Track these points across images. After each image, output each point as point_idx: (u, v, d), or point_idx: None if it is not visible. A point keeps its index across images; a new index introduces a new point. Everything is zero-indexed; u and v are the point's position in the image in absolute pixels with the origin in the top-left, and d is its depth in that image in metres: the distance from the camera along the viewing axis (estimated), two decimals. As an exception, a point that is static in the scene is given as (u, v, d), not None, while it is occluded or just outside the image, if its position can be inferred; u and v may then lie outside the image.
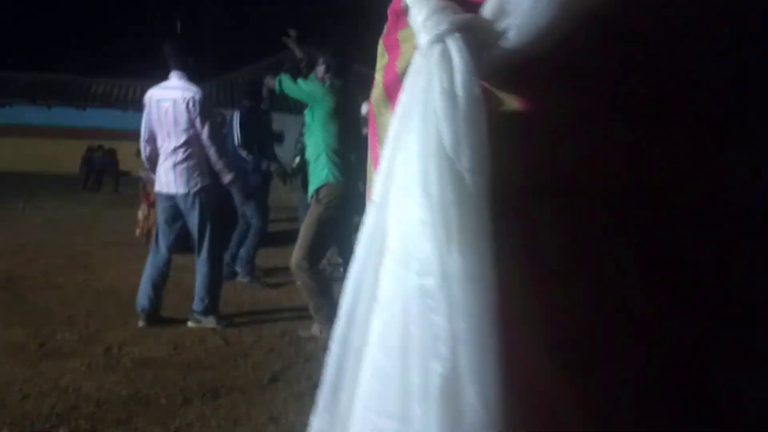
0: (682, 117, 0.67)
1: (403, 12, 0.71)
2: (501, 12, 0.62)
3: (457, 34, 0.61)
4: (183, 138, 3.61)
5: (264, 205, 5.18)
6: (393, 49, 0.76)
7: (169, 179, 3.67)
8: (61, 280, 4.87)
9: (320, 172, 3.44)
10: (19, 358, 3.11)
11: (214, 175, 3.75)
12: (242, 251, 5.02)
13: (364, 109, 4.99)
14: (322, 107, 3.43)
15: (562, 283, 0.64)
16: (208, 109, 3.67)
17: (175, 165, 3.63)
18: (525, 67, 0.62)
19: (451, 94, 0.59)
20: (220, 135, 3.71)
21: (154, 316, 3.74)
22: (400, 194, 0.62)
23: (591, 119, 0.65)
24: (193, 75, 3.69)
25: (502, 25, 0.62)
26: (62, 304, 4.15)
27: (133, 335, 3.55)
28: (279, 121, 7.36)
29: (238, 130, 4.95)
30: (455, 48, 0.60)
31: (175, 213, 3.77)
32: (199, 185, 3.67)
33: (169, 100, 3.60)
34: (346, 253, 5.02)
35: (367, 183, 0.84)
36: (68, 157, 17.96)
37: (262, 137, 5.13)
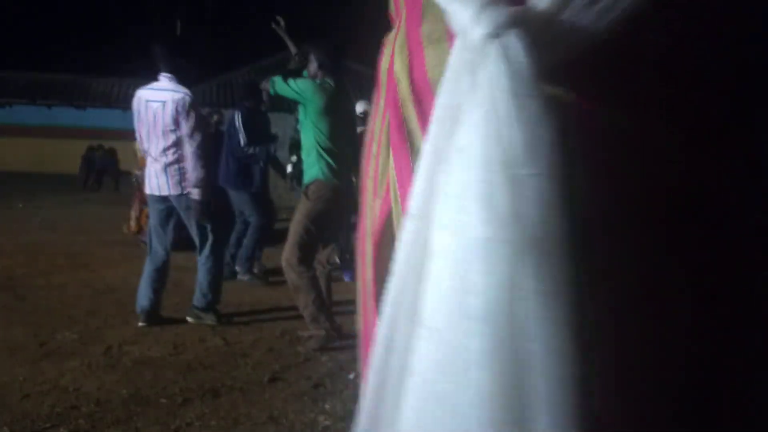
0: (703, 123, 0.64)
1: (427, 6, 0.67)
2: (559, 5, 0.56)
3: (518, 29, 0.55)
4: (172, 139, 3.58)
5: (265, 201, 5.17)
6: (416, 49, 0.72)
7: (161, 181, 3.64)
8: (61, 280, 4.87)
9: (311, 169, 3.44)
10: (19, 358, 3.11)
11: (207, 174, 3.73)
12: (242, 249, 5.02)
13: (359, 108, 4.99)
14: (312, 105, 3.42)
15: (634, 311, 0.60)
16: (196, 114, 3.61)
17: (166, 167, 3.61)
18: (583, 69, 0.57)
19: (517, 94, 0.53)
20: (204, 143, 3.61)
21: (154, 315, 3.74)
22: (451, 207, 0.55)
23: (650, 131, 0.61)
24: (182, 77, 3.67)
25: (561, 19, 0.56)
26: (62, 304, 4.15)
27: (133, 335, 3.55)
28: (279, 120, 7.37)
29: (243, 131, 4.94)
30: (516, 44, 0.54)
31: (168, 214, 3.76)
32: (191, 186, 3.66)
33: (159, 102, 3.59)
34: (346, 252, 5.02)
35: (357, 181, 0.83)
36: (68, 156, 17.95)
37: (262, 137, 5.12)
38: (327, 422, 2.50)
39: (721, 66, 0.63)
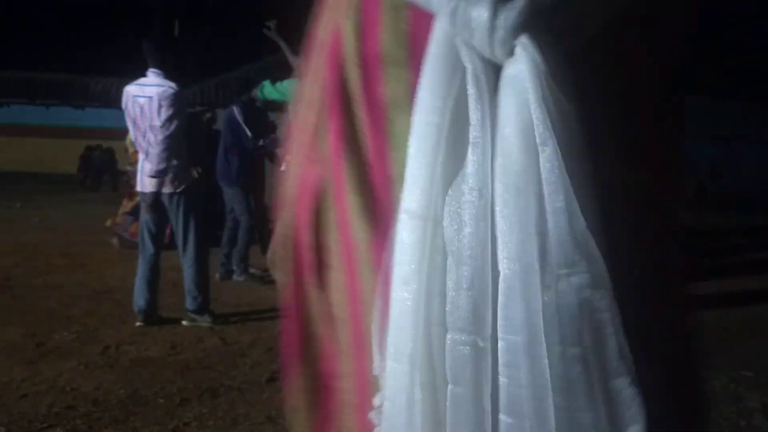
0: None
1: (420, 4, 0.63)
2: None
3: (535, 29, 0.54)
4: (160, 135, 3.57)
5: (249, 202, 5.09)
6: (371, 10, 0.69)
7: (152, 179, 3.63)
8: (58, 280, 4.87)
9: None
10: (16, 358, 3.11)
11: (198, 173, 3.73)
12: (235, 250, 5.02)
13: None
14: None
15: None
16: (178, 107, 3.58)
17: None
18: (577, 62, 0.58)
19: (546, 98, 0.53)
20: (180, 137, 3.58)
21: (152, 315, 3.73)
22: (468, 209, 0.56)
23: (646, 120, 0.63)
24: (170, 73, 3.65)
25: (563, 15, 0.56)
26: (60, 304, 4.15)
27: (130, 335, 3.54)
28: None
29: (245, 126, 4.91)
30: (536, 46, 0.54)
31: (161, 211, 3.76)
32: (183, 184, 3.65)
33: (145, 97, 3.57)
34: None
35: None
36: (67, 156, 17.94)
37: (264, 129, 5.12)
38: (325, 422, 2.49)
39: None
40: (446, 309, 0.57)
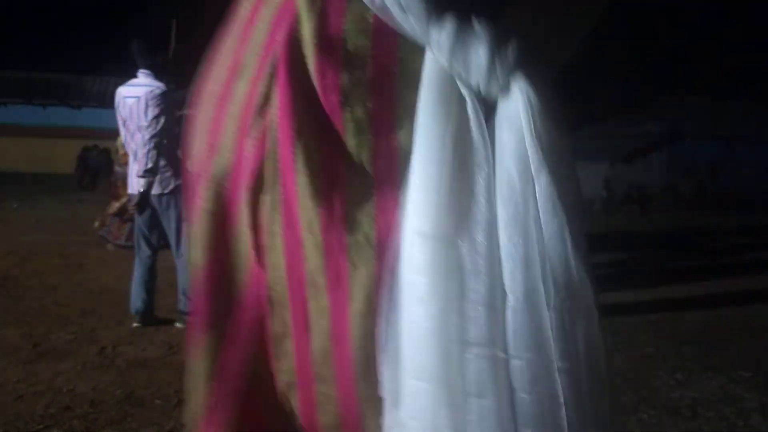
0: None
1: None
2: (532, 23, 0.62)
3: (526, 65, 0.60)
4: (147, 135, 3.53)
5: None
6: (379, 44, 0.70)
7: (141, 180, 3.56)
8: (55, 280, 4.85)
9: None
10: (12, 359, 3.09)
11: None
12: None
13: None
14: None
15: None
16: (164, 107, 3.54)
17: None
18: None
19: (539, 133, 0.58)
20: (168, 137, 3.53)
21: (149, 316, 3.72)
22: (480, 228, 0.59)
23: None
24: (159, 74, 3.64)
25: (548, 49, 0.63)
26: (56, 304, 4.13)
27: (127, 335, 3.53)
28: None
29: None
30: (529, 83, 0.59)
31: (153, 213, 3.73)
32: (172, 185, 3.62)
33: (134, 98, 3.56)
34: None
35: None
36: (63, 156, 17.91)
37: None
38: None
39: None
40: (465, 326, 0.59)
